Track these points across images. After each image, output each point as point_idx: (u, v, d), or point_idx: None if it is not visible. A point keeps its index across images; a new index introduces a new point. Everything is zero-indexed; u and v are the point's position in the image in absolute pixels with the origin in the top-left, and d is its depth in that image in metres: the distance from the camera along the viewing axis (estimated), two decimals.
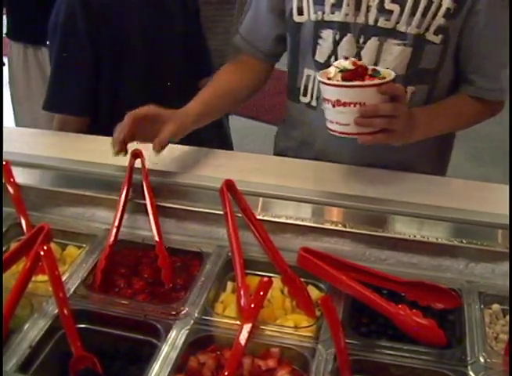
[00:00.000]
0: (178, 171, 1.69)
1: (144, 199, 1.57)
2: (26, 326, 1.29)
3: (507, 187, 1.66)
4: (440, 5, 1.58)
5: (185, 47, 2.21)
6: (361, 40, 1.66)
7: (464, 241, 1.51)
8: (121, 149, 1.60)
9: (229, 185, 1.53)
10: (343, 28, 1.67)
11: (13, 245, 1.56)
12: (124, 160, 1.62)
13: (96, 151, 1.81)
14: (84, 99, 2.07)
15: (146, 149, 1.64)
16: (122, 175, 1.61)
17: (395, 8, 1.61)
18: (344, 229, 1.54)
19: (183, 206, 1.62)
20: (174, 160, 1.78)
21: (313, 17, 1.70)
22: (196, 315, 1.33)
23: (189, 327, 1.30)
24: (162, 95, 2.05)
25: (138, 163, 1.63)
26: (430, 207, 1.57)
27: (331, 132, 1.50)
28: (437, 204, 1.58)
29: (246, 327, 1.19)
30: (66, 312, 1.24)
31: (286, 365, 1.25)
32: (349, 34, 1.67)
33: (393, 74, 1.46)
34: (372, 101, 1.43)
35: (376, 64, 1.64)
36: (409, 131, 1.55)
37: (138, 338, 1.33)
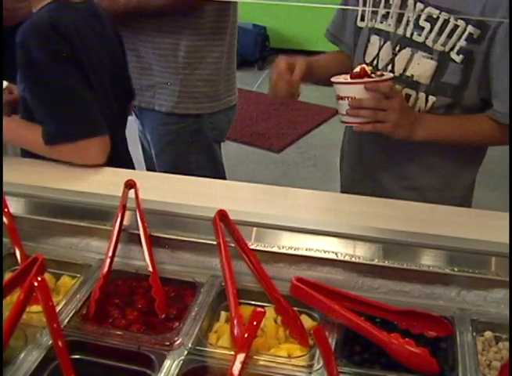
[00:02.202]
0: (171, 201, 1.69)
1: (138, 229, 1.58)
2: (20, 357, 1.29)
3: (500, 213, 1.67)
4: (465, 30, 1.75)
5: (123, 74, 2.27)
6: (397, 48, 1.88)
7: (456, 269, 1.52)
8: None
9: (222, 215, 1.54)
10: (386, 36, 1.90)
11: (7, 275, 1.56)
12: (117, 191, 1.63)
13: (90, 181, 1.82)
14: (100, 117, 2.01)
15: (141, 178, 1.65)
16: (116, 205, 1.61)
17: (427, 25, 1.81)
18: (336, 258, 1.55)
19: (176, 236, 1.62)
20: (168, 189, 1.79)
21: (369, 24, 1.95)
22: (189, 345, 1.33)
23: (182, 357, 1.31)
24: (110, 116, 2.06)
25: (131, 193, 1.63)
26: (422, 236, 1.58)
27: (340, 122, 1.81)
28: (429, 232, 1.59)
29: (240, 357, 1.19)
30: (60, 343, 1.23)
31: None
32: (388, 42, 1.90)
33: (388, 76, 1.76)
34: (361, 96, 1.71)
35: (405, 70, 1.87)
36: (410, 127, 1.79)
37: (133, 369, 1.33)
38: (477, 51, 1.76)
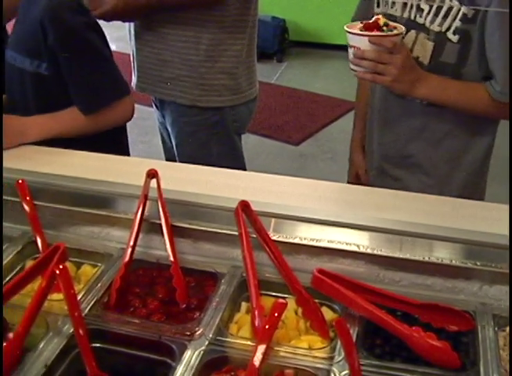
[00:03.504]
0: (193, 192, 1.69)
1: (159, 219, 1.58)
2: (41, 345, 1.30)
3: None
4: (459, 10, 1.81)
5: None
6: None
7: (478, 263, 1.51)
8: None
9: (244, 206, 1.54)
10: (395, 21, 1.92)
11: (29, 263, 1.57)
12: (139, 180, 1.63)
13: (111, 170, 1.83)
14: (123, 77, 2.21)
15: (162, 168, 1.65)
16: (137, 195, 1.62)
17: (426, 7, 1.88)
18: (358, 250, 1.54)
19: (198, 226, 1.62)
20: (189, 180, 1.79)
21: (382, 10, 2.02)
22: (210, 335, 1.33)
23: (203, 347, 1.31)
24: None
25: (153, 182, 1.64)
26: (444, 229, 1.57)
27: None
28: (450, 226, 1.58)
29: (261, 348, 1.19)
30: (81, 331, 1.24)
31: None
32: None
33: (396, 32, 1.79)
34: (365, 47, 1.79)
35: (411, 52, 1.92)
36: (410, 84, 1.86)
37: (153, 358, 1.34)
38: (473, 30, 1.81)
